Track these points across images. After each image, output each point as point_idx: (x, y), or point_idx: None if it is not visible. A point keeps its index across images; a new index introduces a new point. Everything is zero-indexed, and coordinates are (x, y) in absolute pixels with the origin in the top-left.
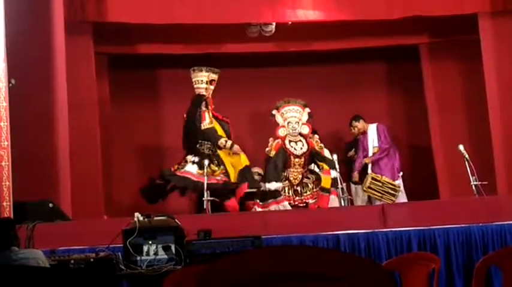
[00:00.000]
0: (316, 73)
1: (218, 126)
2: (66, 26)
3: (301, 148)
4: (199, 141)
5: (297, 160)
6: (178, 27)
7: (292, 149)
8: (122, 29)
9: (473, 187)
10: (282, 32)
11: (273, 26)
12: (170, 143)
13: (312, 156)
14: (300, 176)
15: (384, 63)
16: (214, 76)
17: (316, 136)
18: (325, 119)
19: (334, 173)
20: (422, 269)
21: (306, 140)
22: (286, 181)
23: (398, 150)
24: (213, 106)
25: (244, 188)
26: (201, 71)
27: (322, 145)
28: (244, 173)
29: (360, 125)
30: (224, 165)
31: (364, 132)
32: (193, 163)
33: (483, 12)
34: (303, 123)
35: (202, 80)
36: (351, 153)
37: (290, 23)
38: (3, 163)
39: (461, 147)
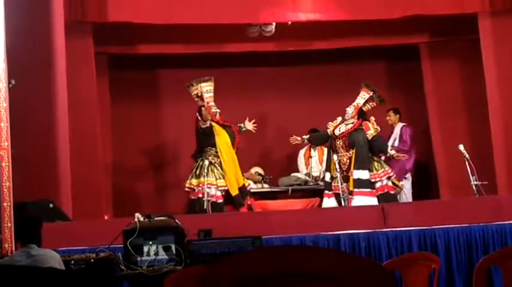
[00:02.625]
0: (316, 73)
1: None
2: (66, 27)
3: (342, 130)
4: (208, 147)
5: (338, 142)
6: (178, 27)
7: (336, 131)
8: (122, 29)
9: (474, 186)
10: (282, 32)
11: (273, 26)
12: (170, 143)
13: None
14: (348, 160)
15: (384, 62)
16: (205, 85)
17: (373, 118)
18: (325, 119)
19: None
20: (423, 269)
21: (355, 122)
22: (337, 168)
23: (416, 154)
24: (212, 111)
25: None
26: (192, 85)
27: (378, 127)
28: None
29: (393, 118)
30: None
31: (392, 128)
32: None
33: (483, 12)
34: (355, 107)
35: (194, 94)
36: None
37: (290, 23)
38: (3, 164)
39: (461, 147)
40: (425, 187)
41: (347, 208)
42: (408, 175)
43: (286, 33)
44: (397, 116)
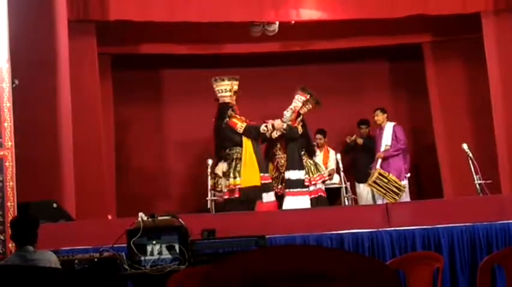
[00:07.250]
0: (319, 72)
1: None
2: (69, 26)
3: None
4: (231, 147)
5: (277, 145)
6: (181, 27)
7: (273, 135)
8: (125, 29)
9: (477, 185)
10: (285, 32)
11: (276, 26)
12: (173, 143)
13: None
14: (283, 161)
15: (387, 62)
16: (236, 83)
17: (299, 118)
18: (328, 118)
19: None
20: (427, 268)
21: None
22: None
23: (410, 152)
24: (238, 112)
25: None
26: (223, 80)
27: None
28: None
29: (381, 117)
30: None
31: (381, 128)
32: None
33: (486, 11)
34: (293, 111)
35: (226, 89)
36: (352, 138)
37: (293, 22)
38: (7, 164)
39: (465, 146)
40: (428, 186)
41: (351, 207)
42: (407, 175)
43: (289, 33)
44: (385, 115)
